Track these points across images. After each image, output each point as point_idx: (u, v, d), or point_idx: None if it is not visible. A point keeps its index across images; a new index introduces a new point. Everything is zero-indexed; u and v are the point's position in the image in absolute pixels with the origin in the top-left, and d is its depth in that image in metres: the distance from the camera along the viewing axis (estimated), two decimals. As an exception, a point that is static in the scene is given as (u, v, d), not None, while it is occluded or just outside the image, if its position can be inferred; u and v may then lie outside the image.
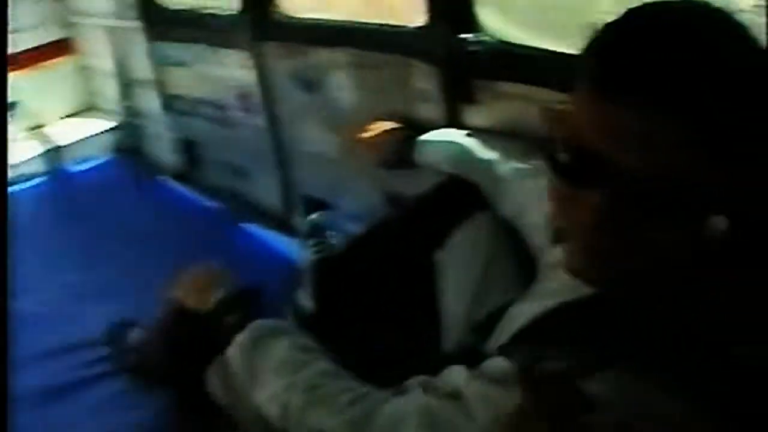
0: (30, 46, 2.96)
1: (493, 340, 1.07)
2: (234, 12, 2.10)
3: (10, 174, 2.24)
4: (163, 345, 1.53)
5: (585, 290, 0.87)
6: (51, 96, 3.08)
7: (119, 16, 2.69)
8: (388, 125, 1.70)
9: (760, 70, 0.74)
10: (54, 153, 2.86)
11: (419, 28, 1.62)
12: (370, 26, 1.79)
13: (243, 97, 2.27)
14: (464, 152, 1.46)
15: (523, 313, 0.97)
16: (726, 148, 0.73)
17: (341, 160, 1.98)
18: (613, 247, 0.78)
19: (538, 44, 1.47)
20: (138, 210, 2.51)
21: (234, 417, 1.16)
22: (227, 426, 1.20)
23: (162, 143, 2.81)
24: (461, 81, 1.54)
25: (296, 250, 2.04)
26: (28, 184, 2.76)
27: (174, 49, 2.49)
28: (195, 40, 2.37)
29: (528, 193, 1.30)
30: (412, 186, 1.59)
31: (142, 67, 2.70)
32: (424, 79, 1.63)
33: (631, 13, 0.75)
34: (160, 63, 2.60)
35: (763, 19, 1.00)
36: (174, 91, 2.61)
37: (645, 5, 0.76)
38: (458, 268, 1.41)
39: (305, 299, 1.70)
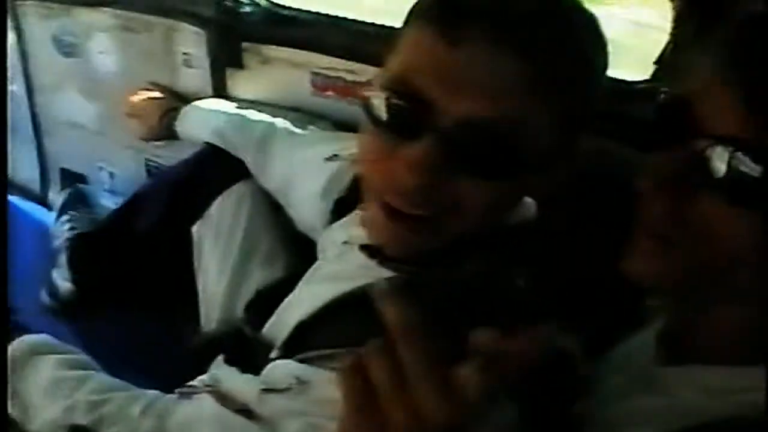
0: None
1: (271, 325, 1.01)
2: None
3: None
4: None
5: (383, 273, 0.83)
6: None
7: None
8: (152, 94, 1.62)
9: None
10: None
11: (187, -12, 1.54)
12: (134, -15, 1.69)
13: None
14: (228, 124, 1.40)
15: (311, 297, 0.91)
16: (565, 92, 0.72)
17: (101, 131, 1.86)
18: (437, 201, 0.74)
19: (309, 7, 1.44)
20: None
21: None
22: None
23: None
24: (229, 45, 1.49)
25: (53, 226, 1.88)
26: None
27: None
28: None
29: (298, 165, 1.26)
30: (176, 158, 1.51)
31: None
32: (191, 44, 1.56)
33: None
34: None
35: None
36: None
37: None
38: (217, 241, 1.35)
39: (60, 279, 1.58)
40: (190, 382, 0.89)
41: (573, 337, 0.84)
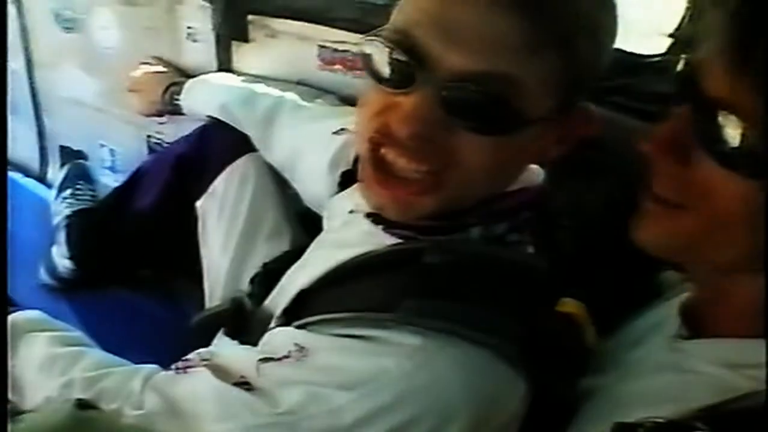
0: None
1: (274, 297, 1.01)
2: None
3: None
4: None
5: (389, 240, 0.83)
6: None
7: None
8: (154, 69, 1.59)
9: None
10: None
11: (190, -39, 1.52)
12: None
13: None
14: (233, 98, 1.37)
15: (315, 265, 0.90)
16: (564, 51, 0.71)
17: (102, 108, 1.83)
18: (433, 155, 0.73)
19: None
20: None
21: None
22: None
23: None
24: (235, 18, 1.47)
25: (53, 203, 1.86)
26: None
27: None
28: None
29: (305, 139, 1.24)
30: (178, 135, 1.49)
31: None
32: (196, 17, 1.54)
33: None
34: None
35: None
36: None
37: None
38: (222, 216, 1.34)
39: (59, 256, 1.57)
40: (186, 356, 0.87)
41: (582, 307, 0.83)
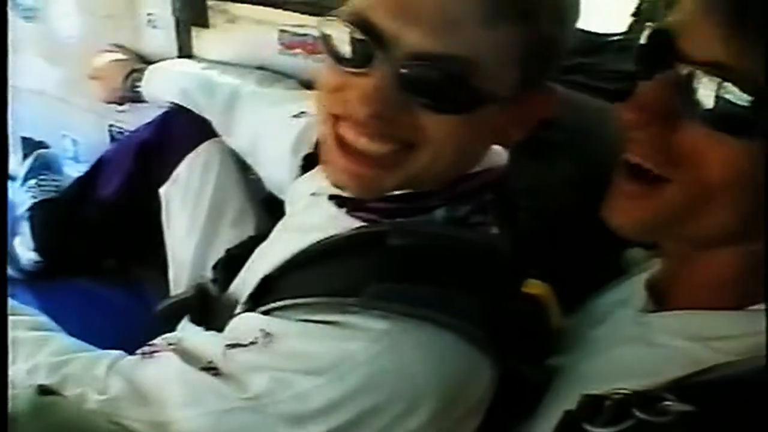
0: None
1: (238, 283, 1.00)
2: None
3: None
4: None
5: (353, 224, 0.83)
6: None
7: None
8: (114, 56, 1.57)
9: None
10: None
11: (150, -54, 1.50)
12: (97, -56, 1.64)
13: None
14: (194, 84, 1.36)
15: (279, 250, 0.89)
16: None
17: (63, 98, 1.81)
18: (392, 134, 0.74)
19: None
20: None
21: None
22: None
23: None
24: (195, 3, 1.45)
25: (14, 195, 1.83)
26: None
27: None
28: None
29: (266, 124, 1.23)
30: (140, 123, 1.48)
31: None
32: (156, 4, 1.52)
33: None
34: None
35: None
36: None
37: None
38: (186, 202, 1.33)
39: (23, 248, 1.55)
40: (152, 342, 0.86)
41: (548, 288, 0.83)
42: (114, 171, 1.43)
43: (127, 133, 1.66)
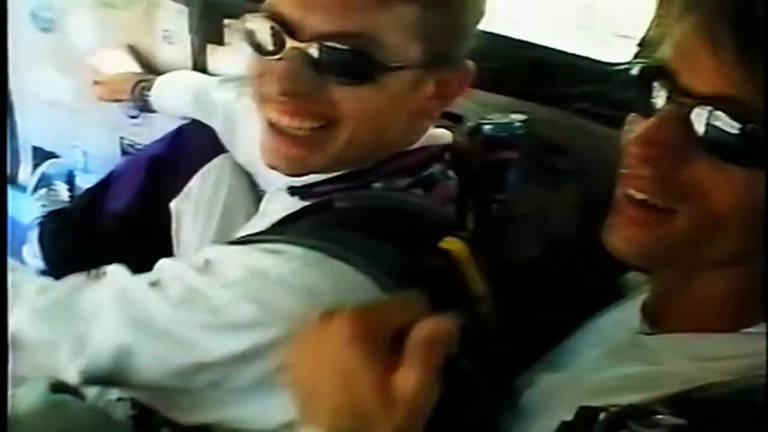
0: None
1: None
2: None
3: None
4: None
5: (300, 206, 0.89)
6: None
7: None
8: (120, 60, 1.62)
9: None
10: None
11: (168, -36, 1.54)
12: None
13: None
14: (202, 94, 1.39)
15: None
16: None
17: (77, 109, 1.83)
18: (313, 111, 0.81)
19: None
20: None
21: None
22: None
23: None
24: (211, 21, 1.48)
25: (24, 204, 1.85)
26: None
27: None
28: None
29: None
30: (151, 136, 1.50)
31: None
32: (173, 20, 1.55)
33: None
34: None
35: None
36: None
37: None
38: (197, 216, 1.35)
39: (31, 257, 1.56)
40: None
41: (464, 246, 0.84)
42: (125, 184, 1.44)
43: (138, 147, 1.68)
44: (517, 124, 1.03)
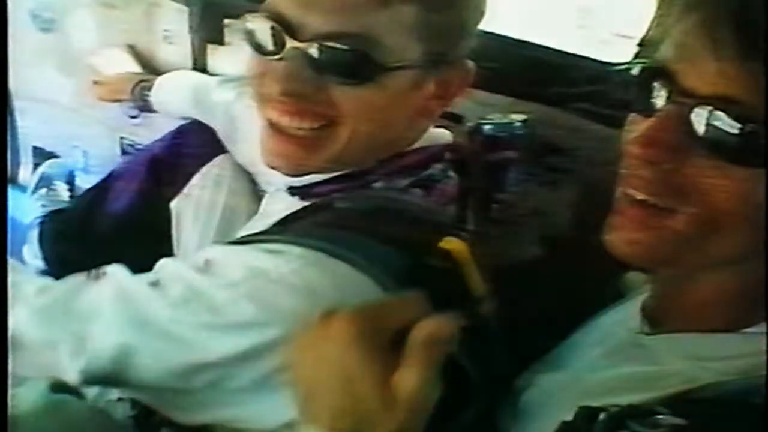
0: None
1: None
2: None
3: None
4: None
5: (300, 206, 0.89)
6: None
7: None
8: (121, 60, 1.62)
9: None
10: None
11: (168, -36, 1.54)
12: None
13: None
14: (202, 95, 1.40)
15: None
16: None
17: (76, 109, 1.83)
18: (313, 111, 0.81)
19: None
20: None
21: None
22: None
23: None
24: (211, 21, 1.48)
25: (24, 204, 1.85)
26: None
27: None
28: None
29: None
30: (151, 136, 1.50)
31: None
32: (173, 20, 1.55)
33: None
34: None
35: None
36: None
37: None
38: (197, 216, 1.35)
39: (31, 257, 1.56)
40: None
41: (464, 246, 0.84)
42: (125, 184, 1.44)
43: (138, 147, 1.68)
44: (517, 124, 1.04)
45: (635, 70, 0.72)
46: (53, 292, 0.86)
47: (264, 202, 1.07)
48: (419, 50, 0.82)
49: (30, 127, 1.97)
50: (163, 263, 0.86)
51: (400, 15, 0.80)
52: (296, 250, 0.79)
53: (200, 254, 0.86)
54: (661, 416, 0.60)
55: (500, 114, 1.06)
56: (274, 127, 0.85)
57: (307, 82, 0.80)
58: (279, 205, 0.95)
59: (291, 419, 0.65)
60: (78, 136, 1.86)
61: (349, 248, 0.79)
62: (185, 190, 1.34)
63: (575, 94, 1.08)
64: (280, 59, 0.81)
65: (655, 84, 0.66)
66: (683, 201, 0.64)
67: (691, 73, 0.63)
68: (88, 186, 1.65)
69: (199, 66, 1.52)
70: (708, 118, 0.61)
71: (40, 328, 0.82)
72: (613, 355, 0.77)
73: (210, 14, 1.47)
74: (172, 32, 1.56)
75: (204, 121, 1.36)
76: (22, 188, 1.88)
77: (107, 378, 0.82)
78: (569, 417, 0.65)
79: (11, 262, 0.86)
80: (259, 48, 0.84)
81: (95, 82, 1.63)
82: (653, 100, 0.66)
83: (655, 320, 0.76)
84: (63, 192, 1.76)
